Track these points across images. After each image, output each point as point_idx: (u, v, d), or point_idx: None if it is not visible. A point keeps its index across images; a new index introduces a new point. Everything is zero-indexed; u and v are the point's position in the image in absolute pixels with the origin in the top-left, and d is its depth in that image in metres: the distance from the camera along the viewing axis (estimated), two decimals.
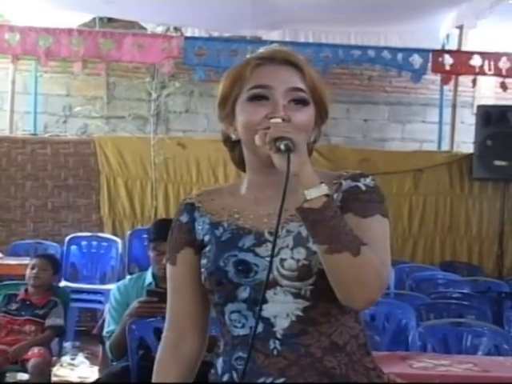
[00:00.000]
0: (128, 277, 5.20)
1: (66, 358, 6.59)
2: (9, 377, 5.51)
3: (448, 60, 8.52)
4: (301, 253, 1.71)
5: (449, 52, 8.78)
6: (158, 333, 3.80)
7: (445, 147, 9.24)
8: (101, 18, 9.01)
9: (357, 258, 1.61)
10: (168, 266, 1.90)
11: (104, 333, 4.33)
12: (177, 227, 1.89)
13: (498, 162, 8.22)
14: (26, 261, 6.07)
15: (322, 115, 1.83)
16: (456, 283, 6.77)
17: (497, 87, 8.84)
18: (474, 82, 8.65)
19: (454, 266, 8.19)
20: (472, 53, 8.58)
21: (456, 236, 8.62)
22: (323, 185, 1.63)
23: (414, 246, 8.60)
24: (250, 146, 1.77)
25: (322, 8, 7.87)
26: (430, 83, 9.47)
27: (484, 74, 8.55)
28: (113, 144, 8.38)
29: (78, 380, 6.28)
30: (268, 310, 1.72)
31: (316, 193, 1.61)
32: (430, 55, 8.43)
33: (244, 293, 1.74)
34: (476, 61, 8.50)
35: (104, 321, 4.48)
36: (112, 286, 5.28)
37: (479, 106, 8.76)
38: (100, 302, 6.97)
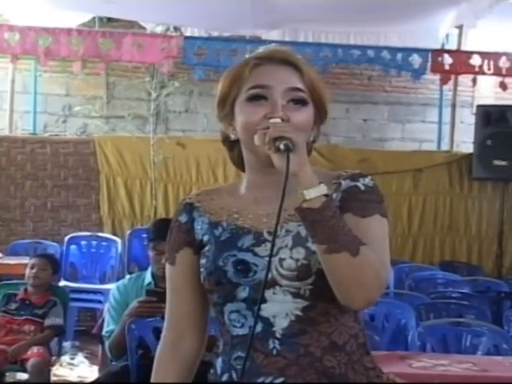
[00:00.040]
0: (127, 276, 5.20)
1: (65, 358, 6.59)
2: (8, 376, 5.51)
3: (447, 60, 8.52)
4: (300, 252, 1.71)
5: (448, 52, 8.78)
6: (157, 332, 3.80)
7: (444, 147, 9.25)
8: (100, 18, 9.01)
9: (356, 258, 1.61)
10: (167, 266, 1.90)
11: (103, 332, 4.33)
12: (176, 227, 1.89)
13: (497, 162, 8.22)
14: (25, 260, 6.07)
15: (321, 115, 1.83)
16: (455, 283, 6.78)
17: (496, 87, 8.84)
18: (474, 81, 8.65)
19: (453, 266, 8.20)
20: (471, 52, 8.58)
21: (455, 236, 8.63)
22: (322, 185, 1.63)
23: (414, 245, 8.60)
24: (249, 146, 1.77)
25: (322, 8, 7.87)
26: (429, 83, 9.47)
27: (483, 73, 8.55)
28: (112, 144, 8.38)
29: (78, 380, 6.28)
30: (267, 310, 1.72)
31: (315, 193, 1.61)
32: (430, 55, 8.43)
33: (243, 292, 1.74)
34: (475, 60, 8.50)
35: (103, 320, 4.49)
36: (111, 286, 5.28)
37: (479, 106, 8.76)
38: (99, 301, 6.97)
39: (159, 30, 8.80)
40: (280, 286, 1.72)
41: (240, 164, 1.87)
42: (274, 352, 1.72)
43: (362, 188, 1.76)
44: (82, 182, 8.36)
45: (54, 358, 5.44)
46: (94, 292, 7.27)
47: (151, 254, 4.43)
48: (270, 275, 1.70)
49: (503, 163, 8.21)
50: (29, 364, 5.04)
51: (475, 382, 3.50)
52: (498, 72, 8.53)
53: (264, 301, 1.72)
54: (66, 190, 8.32)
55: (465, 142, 9.10)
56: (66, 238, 7.84)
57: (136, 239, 7.79)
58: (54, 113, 9.36)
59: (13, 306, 5.43)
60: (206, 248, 1.81)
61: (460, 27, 8.76)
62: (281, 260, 1.72)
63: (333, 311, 1.73)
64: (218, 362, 1.82)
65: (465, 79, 8.90)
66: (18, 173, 8.26)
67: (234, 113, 1.80)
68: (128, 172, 8.38)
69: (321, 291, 1.69)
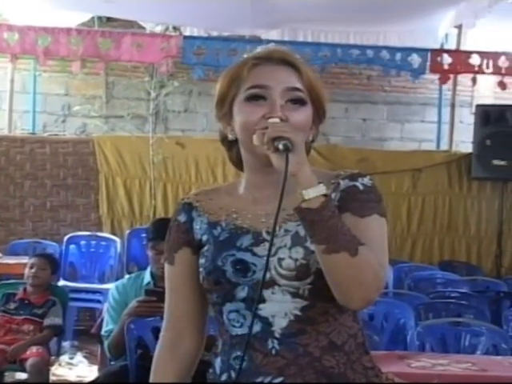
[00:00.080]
0: (127, 276, 5.21)
1: (64, 358, 6.59)
2: (7, 376, 5.52)
3: (447, 59, 8.52)
4: (299, 252, 1.71)
5: (447, 51, 8.79)
6: (156, 332, 3.80)
7: (443, 147, 9.25)
8: (99, 18, 9.01)
9: (355, 258, 1.61)
10: (166, 266, 1.90)
11: (102, 332, 4.33)
12: (175, 227, 1.89)
13: (496, 162, 8.22)
14: (24, 260, 6.07)
15: (319, 115, 1.83)
16: (454, 283, 6.78)
17: (496, 87, 8.84)
18: (474, 80, 8.65)
19: (452, 266, 8.20)
20: (471, 52, 8.58)
21: (455, 235, 8.63)
22: (321, 185, 1.63)
23: (413, 245, 8.60)
24: (247, 146, 1.77)
25: (321, 7, 7.87)
26: (428, 83, 9.47)
27: (483, 72, 8.55)
28: (112, 143, 8.38)
29: (77, 379, 6.28)
30: (266, 310, 1.72)
31: (314, 193, 1.61)
32: (429, 55, 8.43)
33: (242, 292, 1.74)
34: (475, 60, 8.50)
35: (102, 320, 4.49)
36: (111, 286, 5.28)
37: (478, 106, 8.76)
38: (99, 301, 6.97)
39: (158, 29, 8.80)
40: (279, 285, 1.72)
41: (239, 164, 1.87)
42: (273, 352, 1.72)
43: (361, 188, 1.76)
44: (82, 182, 8.36)
45: (53, 357, 5.43)
46: (93, 292, 7.26)
47: (150, 253, 4.43)
48: (268, 275, 1.71)
49: (502, 163, 8.21)
50: (28, 364, 5.04)
51: (474, 382, 3.50)
52: (497, 71, 8.53)
53: (263, 300, 1.72)
54: (65, 190, 8.32)
55: (464, 141, 9.10)
56: (66, 238, 7.83)
57: (135, 239, 7.79)
58: (54, 112, 9.36)
59: (12, 305, 5.43)
60: (205, 248, 1.81)
61: (459, 27, 8.76)
62: (280, 260, 1.72)
63: (332, 311, 1.73)
64: (217, 362, 1.82)
65: (464, 79, 8.90)
66: (18, 172, 8.26)
67: (233, 113, 1.80)
68: (127, 172, 8.38)
69: (320, 291, 1.69)
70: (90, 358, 6.73)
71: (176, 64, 8.44)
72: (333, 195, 1.75)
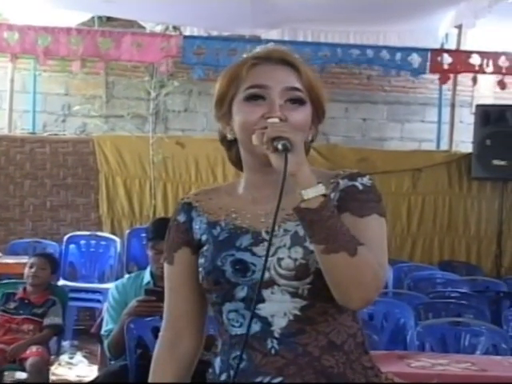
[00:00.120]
0: (126, 276, 5.21)
1: (64, 357, 6.59)
2: (7, 376, 5.52)
3: (447, 59, 8.52)
4: (298, 252, 1.71)
5: (448, 51, 8.79)
6: (156, 332, 3.80)
7: (443, 147, 9.25)
8: (100, 17, 9.01)
9: (354, 258, 1.60)
10: (165, 266, 1.90)
11: (102, 332, 4.34)
12: (174, 227, 1.89)
13: (496, 162, 8.22)
14: (24, 260, 6.07)
15: (318, 114, 1.83)
16: (454, 282, 6.78)
17: (496, 87, 8.84)
18: (475, 80, 8.65)
19: (452, 266, 8.20)
20: (471, 52, 8.58)
21: (454, 235, 8.63)
22: (320, 185, 1.62)
23: (413, 245, 8.60)
24: (247, 146, 1.77)
25: (321, 7, 7.87)
26: (428, 82, 9.48)
27: (483, 72, 8.55)
28: (111, 143, 8.38)
29: (77, 379, 6.28)
30: (265, 310, 1.72)
31: (313, 193, 1.61)
32: (429, 54, 8.43)
33: (241, 292, 1.74)
34: (475, 60, 8.50)
35: (102, 320, 4.49)
36: (110, 285, 5.28)
37: (478, 106, 8.76)
38: (98, 300, 6.97)
39: (158, 29, 8.80)
40: (278, 285, 1.72)
41: (238, 163, 1.87)
42: (273, 351, 1.72)
43: (360, 187, 1.76)
44: (81, 182, 8.35)
45: (52, 357, 5.44)
46: (93, 291, 7.26)
47: (150, 253, 4.43)
48: (268, 275, 1.71)
49: (502, 163, 8.21)
50: (28, 363, 5.04)
51: (474, 382, 3.50)
52: (497, 70, 8.53)
53: (262, 300, 1.72)
54: (65, 190, 8.32)
55: (464, 141, 9.10)
56: (65, 238, 7.83)
57: (135, 238, 7.79)
58: (54, 112, 9.36)
59: (12, 305, 5.43)
60: (205, 248, 1.81)
61: (459, 27, 8.76)
62: (279, 259, 1.72)
63: (331, 311, 1.73)
64: (217, 362, 1.82)
65: (464, 79, 8.91)
66: (17, 172, 8.26)
67: (232, 112, 1.80)
68: (127, 171, 8.38)
69: (319, 291, 1.69)
70: (90, 357, 6.73)
71: (176, 64, 8.43)
72: (332, 195, 1.75)
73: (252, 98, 1.76)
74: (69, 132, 9.20)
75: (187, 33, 8.73)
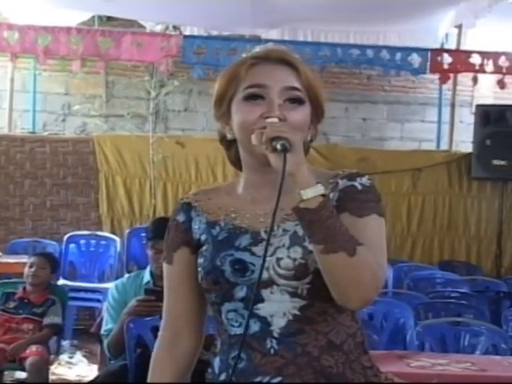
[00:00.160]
0: (126, 275, 5.21)
1: (64, 357, 6.59)
2: (7, 375, 5.52)
3: (447, 59, 8.52)
4: (297, 252, 1.71)
5: (448, 51, 8.78)
6: (155, 331, 3.79)
7: (443, 146, 9.25)
8: (100, 17, 9.01)
9: (353, 258, 1.60)
10: (164, 265, 1.90)
11: (102, 331, 4.34)
12: (173, 226, 1.89)
13: (496, 162, 8.22)
14: (24, 259, 6.07)
15: (317, 114, 1.83)
16: (454, 282, 6.78)
17: (496, 87, 8.84)
18: (475, 79, 8.64)
19: (452, 266, 8.20)
20: (471, 52, 8.58)
21: (454, 235, 8.63)
22: (319, 185, 1.63)
23: (413, 245, 8.60)
24: (246, 146, 1.77)
25: (321, 7, 7.87)
26: (428, 82, 9.48)
27: (484, 71, 8.54)
28: (111, 142, 8.38)
29: (76, 378, 6.28)
30: (265, 309, 1.72)
31: (312, 193, 1.61)
32: (429, 54, 8.43)
33: (241, 292, 1.74)
34: (475, 59, 8.50)
35: (102, 319, 4.49)
36: (110, 285, 5.28)
37: (478, 106, 8.76)
38: (98, 300, 6.97)
39: (158, 28, 8.80)
40: (277, 285, 1.72)
41: (237, 163, 1.87)
42: (272, 351, 1.72)
43: (359, 187, 1.76)
44: (81, 181, 8.36)
45: (52, 356, 5.43)
46: (93, 291, 7.26)
47: (150, 252, 4.43)
48: (267, 274, 1.71)
49: (502, 163, 8.21)
50: (27, 363, 5.04)
51: (473, 382, 3.50)
52: (497, 70, 8.53)
53: (261, 300, 1.72)
54: (65, 189, 8.32)
55: (464, 141, 9.10)
56: (65, 237, 7.83)
57: (135, 238, 7.79)
58: (54, 111, 9.36)
59: (11, 304, 5.43)
60: (204, 247, 1.81)
61: (459, 27, 8.76)
62: (278, 259, 1.72)
63: (330, 310, 1.73)
64: (216, 362, 1.82)
65: (464, 79, 8.90)
66: (17, 171, 8.26)
67: (231, 112, 1.80)
68: (127, 171, 8.38)
69: (318, 290, 1.69)
70: (90, 357, 6.73)
71: (176, 63, 8.43)
72: (331, 195, 1.75)
73: (251, 98, 1.76)
74: (69, 131, 9.20)
75: (187, 32, 8.73)
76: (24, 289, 5.50)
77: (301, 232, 1.69)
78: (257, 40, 8.44)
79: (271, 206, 1.64)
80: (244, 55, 1.83)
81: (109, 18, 9.05)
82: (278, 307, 1.72)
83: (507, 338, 4.48)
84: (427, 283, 6.79)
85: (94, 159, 8.35)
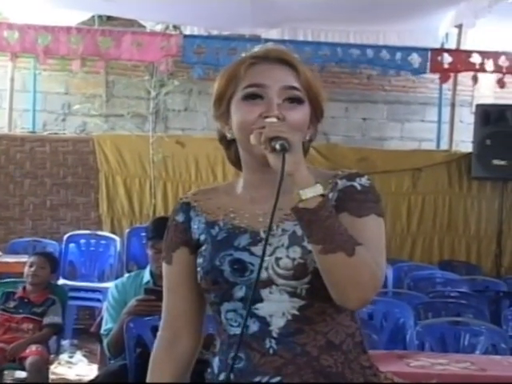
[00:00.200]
0: (126, 275, 5.21)
1: (63, 356, 6.59)
2: (6, 375, 5.52)
3: (447, 59, 8.52)
4: (296, 252, 1.71)
5: (448, 51, 8.78)
6: (155, 331, 3.76)
7: (443, 146, 9.25)
8: (100, 16, 9.01)
9: (351, 258, 1.60)
10: (164, 265, 1.90)
11: (102, 331, 4.33)
12: (173, 226, 1.89)
13: (496, 162, 8.22)
14: (24, 259, 6.07)
15: (317, 114, 1.83)
16: (454, 282, 6.78)
17: (496, 86, 8.83)
18: (475, 79, 8.64)
19: (452, 265, 8.19)
20: (471, 52, 8.58)
21: (454, 235, 8.63)
22: (318, 185, 1.62)
23: (413, 244, 8.60)
24: (245, 145, 1.77)
25: (321, 7, 7.87)
26: (429, 82, 9.48)
27: (484, 70, 8.54)
28: (112, 142, 8.38)
29: (76, 378, 6.28)
30: (264, 309, 1.73)
31: (311, 193, 1.61)
32: (429, 54, 8.43)
33: (240, 292, 1.74)
34: (475, 59, 8.49)
35: (102, 319, 4.49)
36: (110, 284, 5.28)
37: (478, 105, 8.76)
38: (98, 300, 6.97)
39: (159, 28, 8.80)
40: (276, 285, 1.72)
41: (237, 163, 1.87)
42: (271, 351, 1.72)
43: (359, 188, 1.76)
44: (81, 181, 8.36)
45: (52, 356, 5.43)
46: (93, 290, 7.26)
47: (150, 252, 4.43)
48: (266, 274, 1.71)
49: (502, 163, 8.20)
50: (27, 362, 5.04)
51: (473, 382, 3.50)
52: (497, 70, 8.53)
53: (260, 300, 1.72)
54: (65, 189, 8.32)
55: (464, 141, 9.10)
56: (65, 237, 7.83)
57: (135, 238, 7.79)
58: (54, 111, 9.36)
59: (11, 304, 5.43)
60: (203, 247, 1.81)
61: (459, 26, 8.75)
62: (277, 259, 1.72)
63: (329, 310, 1.73)
64: (215, 362, 1.82)
65: (464, 78, 8.90)
66: (17, 171, 8.26)
67: (230, 112, 1.80)
68: (127, 170, 8.38)
69: (317, 290, 1.69)
70: (90, 356, 6.73)
71: (176, 63, 8.43)
72: (330, 195, 1.75)
73: (250, 97, 1.76)
74: (69, 131, 9.20)
75: (187, 32, 8.73)
76: (24, 288, 5.50)
77: (300, 232, 1.69)
78: (257, 40, 8.44)
79: (270, 206, 1.64)
80: (243, 55, 1.83)
81: (109, 18, 9.05)
82: (277, 307, 1.72)
83: (507, 337, 4.48)
84: (427, 283, 6.79)
85: (94, 159, 8.35)
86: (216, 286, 1.76)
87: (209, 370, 1.84)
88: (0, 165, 8.22)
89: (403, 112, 9.88)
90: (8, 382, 5.62)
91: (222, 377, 1.78)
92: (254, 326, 1.73)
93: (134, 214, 8.39)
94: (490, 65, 8.48)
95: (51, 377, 5.59)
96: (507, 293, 6.44)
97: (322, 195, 1.62)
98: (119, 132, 8.74)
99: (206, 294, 1.82)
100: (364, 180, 1.78)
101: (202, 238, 1.83)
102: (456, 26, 8.76)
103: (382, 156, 8.61)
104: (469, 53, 8.56)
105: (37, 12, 8.37)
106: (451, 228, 8.61)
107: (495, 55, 8.50)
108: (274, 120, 1.70)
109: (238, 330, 1.75)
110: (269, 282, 1.72)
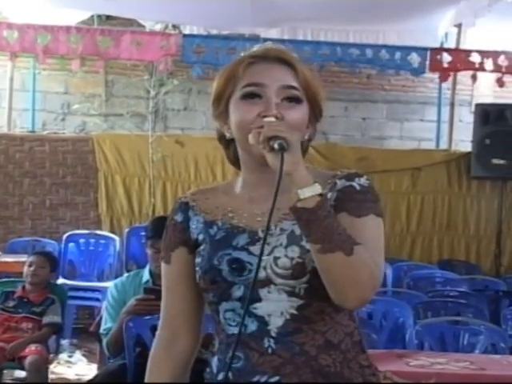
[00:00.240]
0: (125, 274, 5.20)
1: (63, 356, 6.59)
2: (6, 374, 5.52)
3: (446, 58, 8.51)
4: (295, 251, 1.71)
5: (447, 50, 8.78)
6: (155, 330, 3.75)
7: (443, 146, 9.26)
8: (99, 16, 9.01)
9: (350, 257, 1.60)
10: (162, 265, 1.90)
11: (101, 330, 4.33)
12: (171, 226, 1.89)
13: (496, 161, 8.22)
14: (23, 258, 6.07)
15: (316, 113, 1.82)
16: (454, 281, 6.78)
17: (495, 86, 8.83)
18: (474, 78, 8.64)
19: (451, 265, 8.20)
20: (470, 51, 8.58)
21: (454, 234, 8.63)
22: (317, 184, 1.62)
23: (412, 244, 8.60)
24: (243, 145, 1.77)
25: (321, 6, 7.87)
26: (428, 81, 9.48)
27: (483, 69, 8.54)
28: (111, 141, 8.38)
29: (75, 378, 6.28)
30: (262, 309, 1.72)
31: (309, 192, 1.61)
32: (429, 53, 8.43)
33: (238, 291, 1.74)
34: (475, 58, 8.49)
35: (101, 318, 4.49)
36: (109, 284, 5.28)
37: (477, 105, 8.76)
38: (97, 299, 6.97)
39: (158, 28, 8.79)
40: (275, 284, 1.72)
41: (236, 162, 1.86)
42: (269, 351, 1.72)
43: (358, 188, 1.76)
44: (81, 180, 8.36)
45: (51, 355, 5.43)
46: (92, 290, 7.26)
47: (149, 251, 4.43)
48: (264, 274, 1.71)
49: (502, 162, 8.21)
50: (26, 362, 5.04)
51: (472, 381, 3.50)
52: (497, 69, 8.53)
53: (259, 299, 1.72)
54: (64, 188, 8.32)
55: (463, 140, 9.10)
56: (65, 236, 7.83)
57: (134, 237, 7.79)
58: (53, 111, 9.36)
59: (11, 303, 5.43)
60: (202, 247, 1.81)
61: (459, 26, 8.76)
62: (275, 259, 1.72)
63: (328, 310, 1.73)
64: (214, 361, 1.82)
65: (464, 78, 8.90)
66: (17, 171, 8.26)
67: (229, 111, 1.80)
68: (126, 170, 8.38)
69: (316, 290, 1.69)
70: (89, 356, 6.73)
71: (175, 62, 8.43)
72: (329, 195, 1.75)
73: (248, 97, 1.76)
74: (68, 130, 9.20)
75: (187, 31, 8.72)
76: (23, 288, 5.50)
77: (298, 231, 1.69)
78: (256, 39, 8.43)
79: (269, 206, 1.64)
80: (242, 54, 1.83)
81: (108, 17, 9.05)
82: (276, 306, 1.72)
83: (506, 337, 4.48)
84: (426, 282, 6.79)
85: (93, 158, 8.35)
86: (214, 286, 1.76)
87: (207, 370, 1.84)
88: None
89: (403, 111, 9.88)
90: (7, 381, 5.62)
91: (220, 376, 1.78)
92: (252, 326, 1.73)
93: (134, 213, 8.39)
94: (489, 64, 8.48)
95: (50, 376, 5.59)
96: (506, 292, 6.44)
97: (321, 195, 1.62)
98: (118, 131, 8.74)
99: (204, 294, 1.82)
100: (363, 180, 1.78)
101: (201, 237, 1.83)
102: (455, 26, 8.76)
103: (381, 155, 8.61)
104: (468, 52, 8.56)
105: (36, 11, 8.37)
106: (451, 227, 8.61)
107: (495, 54, 8.49)
108: (273, 119, 1.70)
109: (236, 330, 1.75)
110: (267, 282, 1.71)
